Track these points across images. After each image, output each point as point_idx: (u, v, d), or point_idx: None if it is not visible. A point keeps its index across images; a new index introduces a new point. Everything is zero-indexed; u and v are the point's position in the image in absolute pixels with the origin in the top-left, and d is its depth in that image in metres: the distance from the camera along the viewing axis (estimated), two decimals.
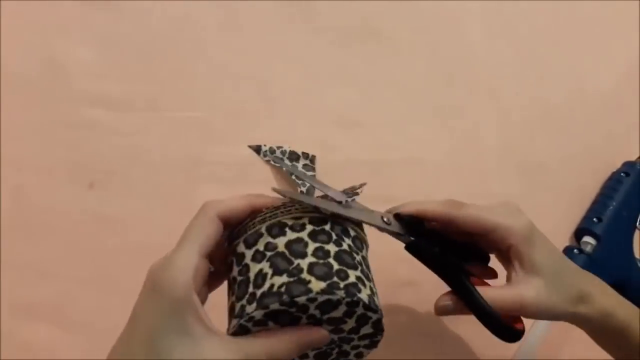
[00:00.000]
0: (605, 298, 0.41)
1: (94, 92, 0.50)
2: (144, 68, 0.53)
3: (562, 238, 0.58)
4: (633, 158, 0.62)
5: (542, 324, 0.53)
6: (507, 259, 0.41)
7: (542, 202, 0.59)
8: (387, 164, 0.56)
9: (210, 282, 0.36)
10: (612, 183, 0.60)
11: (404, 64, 0.60)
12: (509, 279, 0.41)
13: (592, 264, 0.54)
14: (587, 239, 0.56)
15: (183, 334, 0.30)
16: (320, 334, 0.33)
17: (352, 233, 0.36)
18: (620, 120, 0.65)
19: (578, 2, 0.69)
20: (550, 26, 0.68)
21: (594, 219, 0.57)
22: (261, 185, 0.51)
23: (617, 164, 0.62)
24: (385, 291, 0.51)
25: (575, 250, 0.55)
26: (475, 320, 0.52)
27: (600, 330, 0.42)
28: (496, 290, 0.39)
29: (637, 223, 0.59)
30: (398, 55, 0.61)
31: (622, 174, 0.60)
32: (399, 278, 0.52)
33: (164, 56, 0.54)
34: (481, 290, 0.39)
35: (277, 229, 0.33)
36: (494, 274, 0.43)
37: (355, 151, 0.56)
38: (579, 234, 0.58)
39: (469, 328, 0.52)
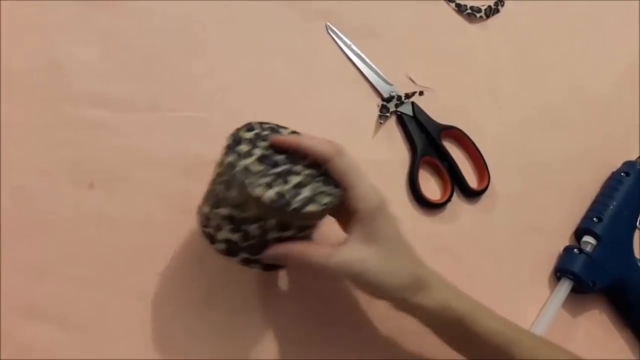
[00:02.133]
0: (443, 289, 0.42)
1: (94, 92, 0.50)
2: (144, 68, 0.53)
3: (562, 238, 0.58)
4: (633, 158, 0.62)
5: (542, 324, 0.53)
6: (349, 225, 0.41)
7: (542, 202, 0.59)
8: (387, 164, 0.56)
9: None
10: (613, 183, 0.60)
11: (404, 64, 0.60)
12: (345, 241, 0.41)
13: (592, 263, 0.54)
14: (587, 238, 0.56)
15: None
16: None
17: None
18: (620, 120, 0.65)
19: (578, 2, 0.69)
20: (550, 26, 0.68)
21: (594, 219, 0.57)
22: None
23: (618, 164, 0.62)
24: None
25: (575, 250, 0.55)
26: None
27: (438, 321, 0.42)
28: (329, 248, 0.40)
29: (638, 223, 0.59)
30: (398, 55, 0.61)
31: (622, 174, 0.60)
32: None
33: (164, 56, 0.54)
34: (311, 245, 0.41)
35: None
36: None
37: (356, 151, 0.56)
38: (579, 233, 0.58)
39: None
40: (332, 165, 0.41)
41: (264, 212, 0.39)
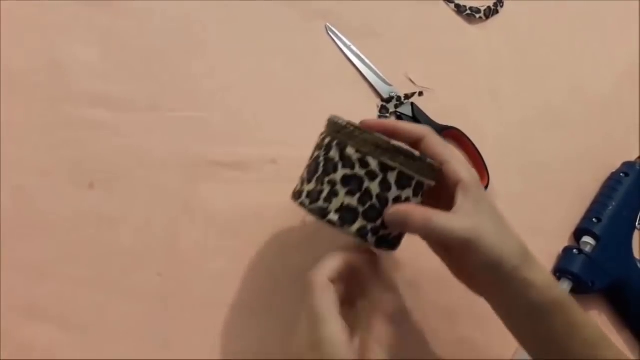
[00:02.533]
0: (545, 269, 0.40)
1: (94, 92, 0.50)
2: (144, 68, 0.53)
3: (562, 238, 0.58)
4: (633, 158, 0.62)
5: None
6: (452, 197, 0.40)
7: (542, 202, 0.59)
8: None
9: None
10: (612, 183, 0.60)
11: (404, 64, 0.60)
12: (455, 210, 0.39)
13: (591, 264, 0.54)
14: (587, 239, 0.56)
15: None
16: None
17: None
18: (620, 121, 0.65)
19: (578, 2, 0.69)
20: (550, 26, 0.68)
21: (594, 219, 0.57)
22: (261, 185, 0.51)
23: (617, 164, 0.62)
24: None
25: (575, 251, 0.55)
26: (476, 321, 0.52)
27: (538, 304, 0.39)
28: (449, 214, 0.39)
29: (637, 223, 0.59)
30: (398, 55, 0.61)
31: (621, 174, 0.60)
32: (401, 280, 0.52)
33: (164, 56, 0.54)
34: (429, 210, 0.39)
35: None
36: None
37: None
38: (578, 234, 0.58)
39: (469, 328, 0.52)
40: (428, 142, 0.41)
41: (389, 158, 0.38)
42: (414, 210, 0.39)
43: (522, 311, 0.40)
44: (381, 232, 0.40)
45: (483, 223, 0.39)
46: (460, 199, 0.39)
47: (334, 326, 0.35)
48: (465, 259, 0.40)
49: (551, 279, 0.41)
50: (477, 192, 0.40)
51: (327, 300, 0.36)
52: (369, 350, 0.37)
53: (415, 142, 0.42)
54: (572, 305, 0.40)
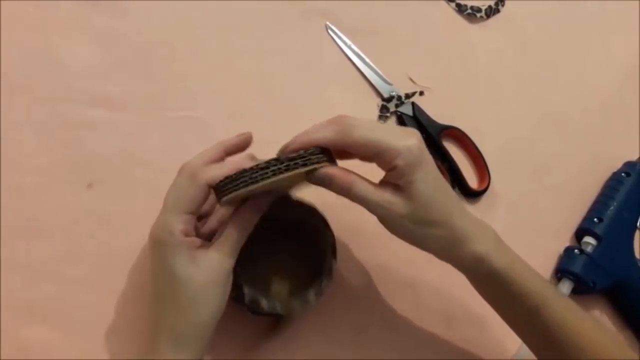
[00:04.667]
0: (482, 242, 0.41)
1: (93, 92, 0.50)
2: (144, 68, 0.53)
3: (563, 238, 0.58)
4: (634, 158, 0.62)
5: None
6: (392, 180, 0.40)
7: (542, 202, 0.59)
8: None
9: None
10: (613, 183, 0.60)
11: (404, 64, 0.60)
12: (380, 183, 0.40)
13: (593, 264, 0.54)
14: (588, 239, 0.56)
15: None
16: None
17: None
18: (621, 120, 0.65)
19: (578, 2, 0.69)
20: (550, 26, 0.67)
21: (595, 219, 0.57)
22: None
23: (618, 164, 0.62)
24: (385, 292, 0.51)
25: (576, 251, 0.55)
26: (475, 322, 0.52)
27: (473, 276, 0.43)
28: (369, 183, 0.40)
29: (638, 223, 0.59)
30: (398, 55, 0.61)
31: (622, 174, 0.60)
32: (399, 280, 0.52)
33: (164, 56, 0.54)
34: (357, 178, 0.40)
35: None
36: None
37: None
38: (579, 234, 0.58)
39: (469, 328, 0.52)
40: (350, 143, 0.39)
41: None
42: (337, 175, 0.40)
43: (465, 276, 0.44)
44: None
45: (395, 202, 0.39)
46: (387, 178, 0.40)
47: (185, 223, 0.39)
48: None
49: (487, 251, 0.41)
50: (405, 177, 0.39)
51: (192, 197, 0.40)
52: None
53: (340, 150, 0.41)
54: (511, 276, 0.42)
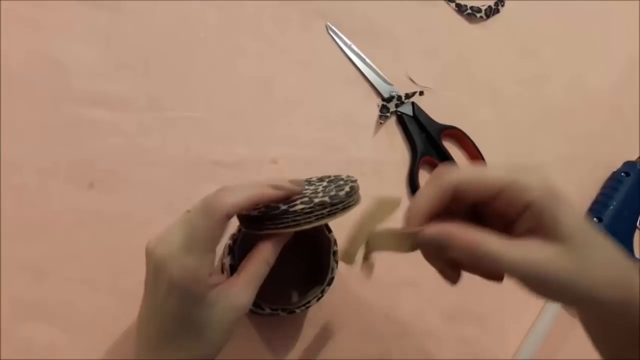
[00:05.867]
0: None
1: (94, 92, 0.50)
2: (144, 68, 0.53)
3: None
4: (633, 158, 0.62)
5: (542, 325, 0.53)
6: (518, 224, 0.32)
7: None
8: (387, 164, 0.56)
9: None
10: (613, 183, 0.60)
11: (404, 64, 0.60)
12: (520, 238, 0.31)
13: None
14: None
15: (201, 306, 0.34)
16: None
17: None
18: (620, 120, 0.65)
19: (578, 2, 0.69)
20: (550, 26, 0.68)
21: (595, 219, 0.57)
22: None
23: (618, 164, 0.62)
24: (386, 291, 0.51)
25: None
26: (476, 321, 0.52)
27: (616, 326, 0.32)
28: (506, 238, 0.30)
29: (638, 223, 0.59)
30: (398, 55, 0.61)
31: (622, 174, 0.60)
32: (400, 278, 0.52)
33: (164, 56, 0.54)
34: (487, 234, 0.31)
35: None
36: None
37: (356, 151, 0.56)
38: None
39: (469, 328, 0.52)
40: (462, 184, 0.32)
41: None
42: (456, 232, 0.31)
43: (628, 342, 0.33)
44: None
45: (554, 257, 0.30)
46: (524, 229, 0.31)
47: (202, 259, 0.34)
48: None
49: None
50: (547, 215, 0.30)
51: (210, 233, 0.34)
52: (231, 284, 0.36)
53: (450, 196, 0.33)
54: None
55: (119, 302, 0.45)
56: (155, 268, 0.35)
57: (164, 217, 0.48)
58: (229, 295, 0.35)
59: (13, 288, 0.44)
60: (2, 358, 0.42)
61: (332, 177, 0.43)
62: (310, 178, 0.44)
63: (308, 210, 0.36)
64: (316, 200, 0.37)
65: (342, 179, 0.41)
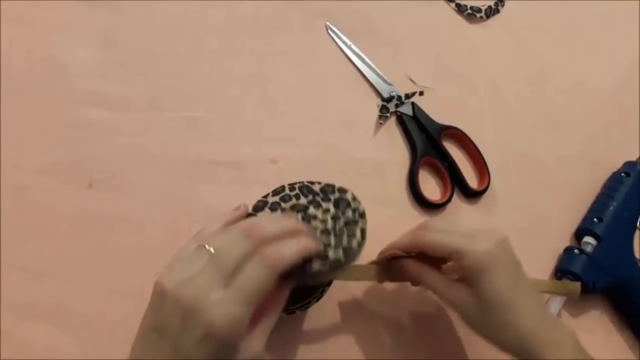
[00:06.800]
0: (555, 352, 0.40)
1: (94, 92, 0.50)
2: (144, 68, 0.53)
3: (563, 238, 0.58)
4: (633, 158, 0.62)
5: None
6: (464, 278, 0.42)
7: (542, 202, 0.59)
8: (387, 164, 0.56)
9: None
10: (613, 183, 0.60)
11: (404, 64, 0.60)
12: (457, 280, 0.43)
13: (592, 264, 0.54)
14: (588, 239, 0.56)
15: None
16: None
17: None
18: (621, 120, 0.65)
19: (578, 2, 0.69)
20: (550, 26, 0.68)
21: (595, 219, 0.57)
22: (260, 186, 0.51)
23: (618, 164, 0.62)
24: (386, 291, 0.51)
25: (576, 251, 0.55)
26: None
27: None
28: (444, 277, 0.43)
29: (638, 223, 0.59)
30: (398, 55, 0.61)
31: (622, 174, 0.60)
32: None
33: (164, 56, 0.54)
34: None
35: None
36: None
37: (356, 151, 0.56)
38: (579, 234, 0.57)
39: (469, 328, 0.52)
40: (425, 246, 0.43)
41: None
42: (410, 265, 0.44)
43: None
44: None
45: (469, 304, 0.41)
46: (462, 276, 0.42)
47: (245, 309, 0.33)
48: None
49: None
50: (477, 277, 0.40)
51: (263, 288, 0.34)
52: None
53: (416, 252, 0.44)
54: None
55: (119, 302, 0.45)
56: (187, 311, 0.32)
57: (164, 217, 0.48)
58: (249, 344, 0.34)
59: (13, 288, 0.44)
60: (2, 358, 0.42)
61: (326, 188, 0.42)
62: (301, 184, 0.43)
63: (325, 271, 0.38)
64: (330, 254, 0.38)
65: (347, 201, 0.41)
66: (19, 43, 0.50)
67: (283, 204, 0.41)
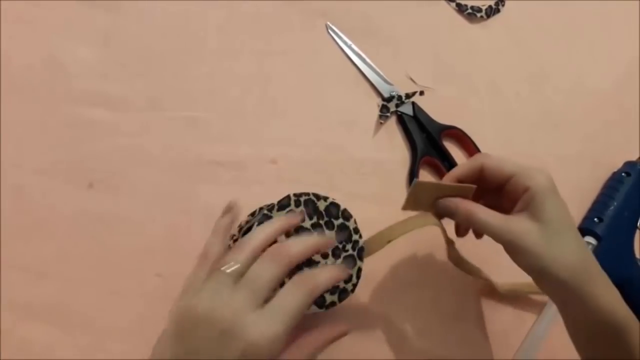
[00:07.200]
0: (612, 289, 0.41)
1: (94, 92, 0.50)
2: (144, 68, 0.53)
3: None
4: (633, 158, 0.62)
5: (543, 325, 0.53)
6: (517, 202, 0.41)
7: None
8: (387, 164, 0.56)
9: None
10: (613, 183, 0.60)
11: (404, 64, 0.60)
12: (512, 213, 0.42)
13: None
14: (588, 239, 0.56)
15: None
16: None
17: None
18: (621, 120, 0.65)
19: (578, 2, 0.69)
20: (550, 26, 0.67)
21: (595, 219, 0.57)
22: (260, 186, 0.51)
23: (618, 164, 0.62)
24: (386, 291, 0.51)
25: None
26: (476, 321, 0.52)
27: (594, 322, 0.40)
28: (494, 213, 0.41)
29: (638, 223, 0.59)
30: (398, 55, 0.61)
31: (623, 174, 0.60)
32: (402, 279, 0.52)
33: (164, 56, 0.54)
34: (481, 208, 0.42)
35: None
36: None
37: (356, 151, 0.56)
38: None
39: (470, 328, 0.52)
40: (487, 166, 0.42)
41: None
42: (460, 203, 0.42)
43: (581, 328, 0.41)
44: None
45: (533, 232, 0.39)
46: (518, 207, 0.41)
47: (286, 329, 0.34)
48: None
49: (615, 299, 0.40)
50: (539, 201, 0.40)
51: (301, 312, 0.35)
52: None
53: (479, 174, 0.43)
54: (632, 332, 0.39)
55: (119, 302, 0.45)
56: (224, 331, 0.33)
57: (164, 217, 0.48)
58: None
59: (13, 288, 0.44)
60: (2, 358, 0.42)
61: (331, 209, 0.43)
62: (307, 197, 0.43)
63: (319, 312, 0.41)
64: (327, 298, 0.42)
65: (349, 232, 0.43)
66: (19, 43, 0.50)
67: None
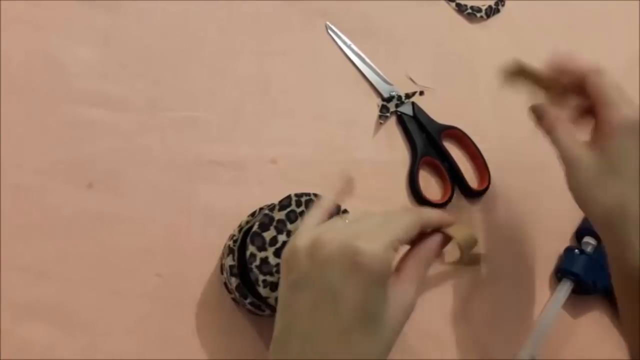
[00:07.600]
0: None
1: (93, 92, 0.50)
2: (144, 68, 0.53)
3: (563, 238, 0.58)
4: None
5: (542, 325, 0.53)
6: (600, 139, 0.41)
7: (543, 202, 0.59)
8: (387, 164, 0.56)
9: None
10: None
11: (404, 64, 0.60)
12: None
13: (593, 264, 0.54)
14: (588, 239, 0.56)
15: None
16: None
17: None
18: None
19: (578, 2, 0.69)
20: (550, 26, 0.67)
21: None
22: (260, 186, 0.51)
23: None
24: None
25: (576, 251, 0.55)
26: (477, 321, 0.52)
27: (624, 272, 0.39)
28: (572, 138, 0.42)
29: None
30: (398, 55, 0.61)
31: None
32: None
33: (164, 56, 0.54)
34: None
35: None
36: None
37: (356, 151, 0.56)
38: (579, 234, 0.57)
39: (470, 328, 0.52)
40: (592, 82, 0.42)
41: None
42: (549, 112, 0.44)
43: (615, 275, 0.41)
44: None
45: (586, 159, 0.40)
46: (596, 133, 0.41)
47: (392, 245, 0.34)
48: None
49: None
50: (619, 139, 0.39)
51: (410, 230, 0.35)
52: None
53: (580, 81, 0.43)
54: None
55: (119, 302, 0.45)
56: (332, 250, 0.32)
57: (164, 217, 0.48)
58: (399, 293, 0.34)
59: (12, 288, 0.44)
60: (2, 358, 0.42)
61: (315, 201, 0.43)
62: (309, 197, 0.44)
63: None
64: None
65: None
66: (18, 43, 0.50)
67: (289, 225, 0.42)
